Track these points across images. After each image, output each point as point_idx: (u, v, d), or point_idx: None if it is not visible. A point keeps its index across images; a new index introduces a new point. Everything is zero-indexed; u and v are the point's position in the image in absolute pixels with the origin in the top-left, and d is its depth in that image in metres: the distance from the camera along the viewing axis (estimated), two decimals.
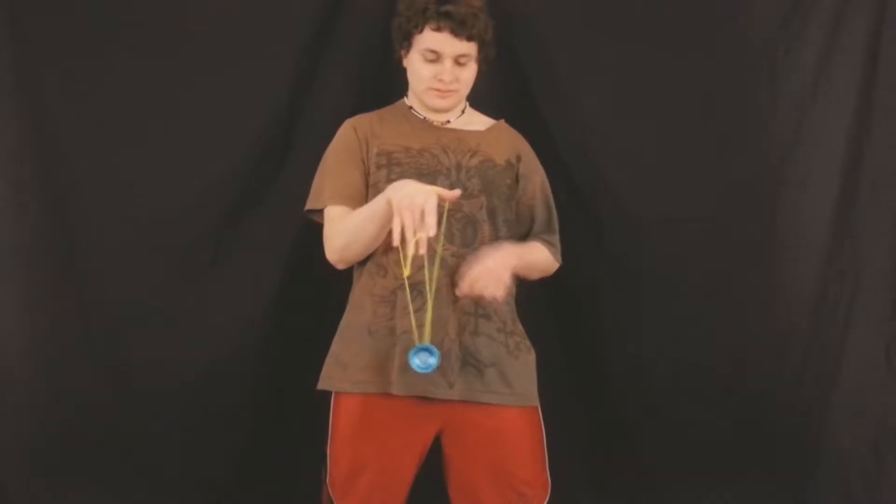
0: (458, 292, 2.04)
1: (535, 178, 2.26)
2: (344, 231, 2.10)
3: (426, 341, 1.99)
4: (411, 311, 2.01)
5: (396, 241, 1.89)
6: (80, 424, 2.50)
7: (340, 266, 2.16)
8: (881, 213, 2.54)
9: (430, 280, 2.00)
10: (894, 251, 2.56)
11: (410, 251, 1.89)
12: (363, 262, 2.16)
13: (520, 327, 2.21)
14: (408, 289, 2.01)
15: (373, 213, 2.02)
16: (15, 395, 2.49)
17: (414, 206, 1.88)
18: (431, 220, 1.87)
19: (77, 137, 2.49)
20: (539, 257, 2.22)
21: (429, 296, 2.00)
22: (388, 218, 1.96)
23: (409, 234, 1.87)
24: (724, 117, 2.57)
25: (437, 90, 2.16)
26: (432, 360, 1.99)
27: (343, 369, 2.12)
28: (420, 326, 2.00)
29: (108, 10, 2.48)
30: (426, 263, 1.99)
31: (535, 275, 2.23)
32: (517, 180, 2.23)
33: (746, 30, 2.55)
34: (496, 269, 2.03)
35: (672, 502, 2.59)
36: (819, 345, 2.56)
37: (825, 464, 2.56)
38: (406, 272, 1.94)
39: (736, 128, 2.56)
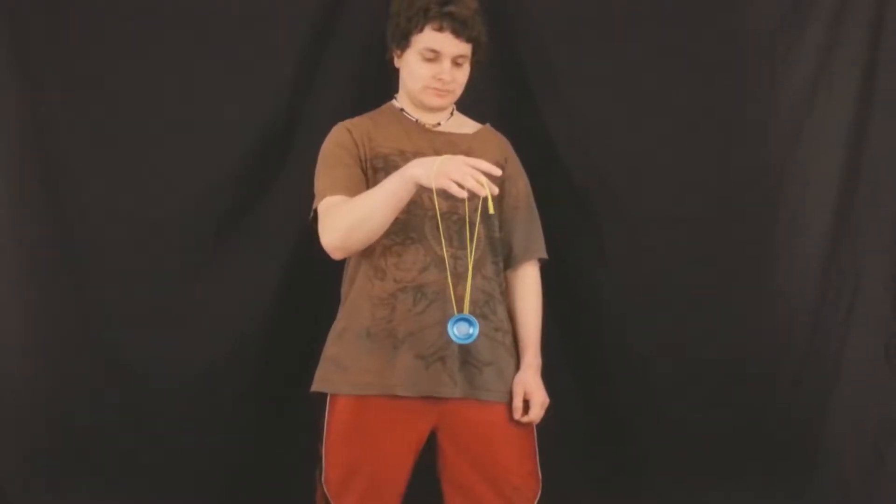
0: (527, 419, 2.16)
1: (519, 182, 2.28)
2: (349, 214, 2.06)
3: (466, 311, 2.02)
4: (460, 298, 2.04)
5: (463, 195, 1.91)
6: (81, 424, 2.50)
7: (338, 255, 2.12)
8: (881, 213, 2.54)
9: (471, 247, 2.04)
10: (894, 251, 2.56)
11: (486, 192, 1.90)
12: (358, 265, 2.16)
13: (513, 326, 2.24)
14: (411, 291, 2.06)
15: (392, 192, 2.01)
16: (15, 395, 2.49)
17: (458, 163, 1.92)
18: (482, 164, 1.92)
19: (77, 138, 2.50)
20: (539, 316, 2.27)
21: (469, 261, 2.04)
22: (408, 194, 2.00)
23: (472, 183, 1.90)
24: (724, 117, 2.57)
25: (436, 89, 2.17)
26: (472, 330, 2.01)
27: (341, 371, 2.12)
28: (459, 298, 2.04)
29: (108, 11, 2.49)
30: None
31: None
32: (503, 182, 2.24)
33: (746, 30, 2.55)
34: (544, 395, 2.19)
35: (672, 502, 2.59)
36: (819, 345, 2.56)
37: (825, 463, 2.56)
38: (492, 210, 1.94)
39: (736, 128, 2.56)
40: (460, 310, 2.03)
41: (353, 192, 2.10)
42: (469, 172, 1.90)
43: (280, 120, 2.53)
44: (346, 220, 2.06)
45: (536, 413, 2.17)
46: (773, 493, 2.57)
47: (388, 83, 2.37)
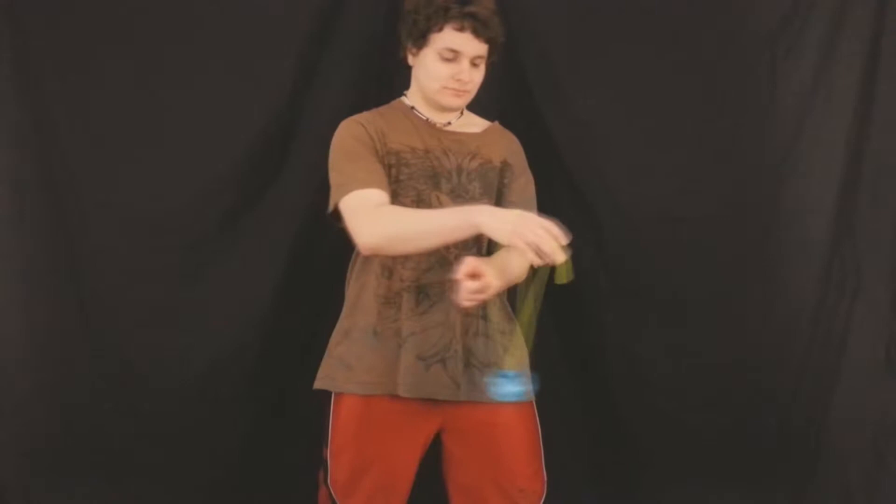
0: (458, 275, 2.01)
1: (521, 179, 2.27)
2: (398, 224, 2.03)
3: (508, 367, 2.03)
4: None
5: (538, 262, 1.85)
6: (81, 424, 2.50)
7: (368, 253, 2.10)
8: (881, 212, 2.54)
9: (524, 309, 1.99)
10: (894, 251, 2.56)
11: (561, 259, 1.84)
12: (365, 264, 2.16)
13: (515, 326, 2.20)
14: (415, 290, 2.07)
15: (453, 228, 1.97)
16: (15, 396, 2.50)
17: (533, 225, 1.85)
18: (554, 230, 1.85)
19: (77, 137, 2.49)
20: (516, 271, 2.13)
21: (520, 321, 2.01)
22: (466, 234, 1.97)
23: (548, 248, 1.83)
24: (724, 117, 2.56)
25: (454, 90, 2.16)
26: (512, 388, 1.99)
27: (347, 370, 2.12)
28: (505, 352, 2.06)
29: (108, 10, 2.49)
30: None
31: (511, 283, 2.18)
32: (507, 180, 2.24)
33: (746, 30, 2.55)
34: (481, 289, 2.01)
35: (672, 502, 2.59)
36: (819, 345, 2.56)
37: (825, 464, 2.56)
38: (570, 277, 1.88)
39: (736, 127, 2.56)
40: (505, 365, 2.04)
41: (381, 185, 2.07)
42: (545, 238, 1.83)
43: (280, 120, 2.53)
44: (392, 228, 2.03)
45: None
46: (774, 494, 2.57)
47: (388, 83, 2.38)
